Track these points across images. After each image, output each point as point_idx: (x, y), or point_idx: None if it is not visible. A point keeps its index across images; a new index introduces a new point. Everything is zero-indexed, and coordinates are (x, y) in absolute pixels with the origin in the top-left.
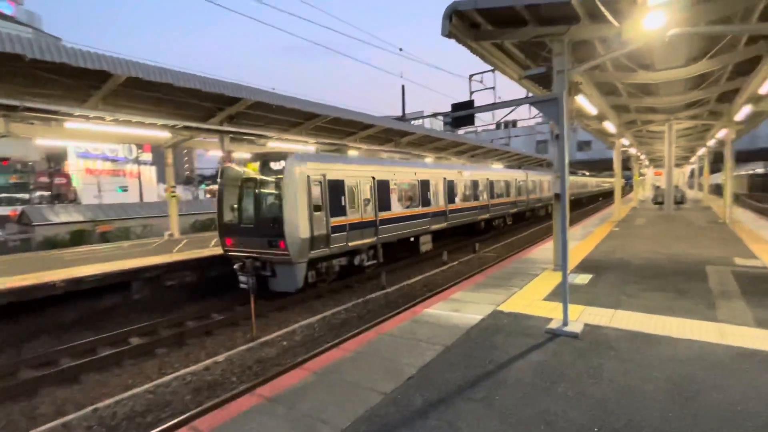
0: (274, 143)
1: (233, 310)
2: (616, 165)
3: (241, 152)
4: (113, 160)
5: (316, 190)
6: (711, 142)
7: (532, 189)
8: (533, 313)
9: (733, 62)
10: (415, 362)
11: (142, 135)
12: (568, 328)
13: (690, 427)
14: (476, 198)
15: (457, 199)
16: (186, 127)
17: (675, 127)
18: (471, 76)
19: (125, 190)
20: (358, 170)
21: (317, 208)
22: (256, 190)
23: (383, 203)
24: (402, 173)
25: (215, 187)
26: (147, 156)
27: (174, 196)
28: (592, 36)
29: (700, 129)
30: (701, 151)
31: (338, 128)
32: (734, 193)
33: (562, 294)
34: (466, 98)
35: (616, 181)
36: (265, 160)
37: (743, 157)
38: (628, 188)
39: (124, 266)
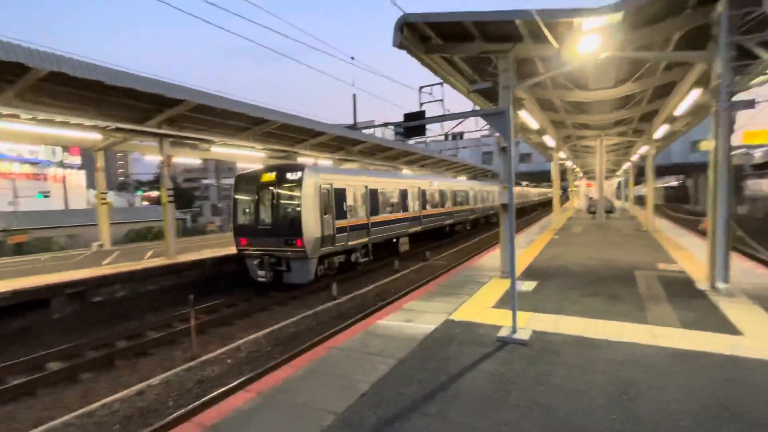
0: (219, 148)
1: (172, 326)
2: (555, 176)
3: (184, 157)
4: (33, 163)
5: (325, 197)
6: (635, 157)
7: (485, 198)
8: (484, 321)
9: (653, 86)
10: (368, 377)
11: (68, 136)
12: (517, 336)
13: (632, 429)
14: (443, 205)
15: (428, 206)
16: (119, 129)
17: (605, 142)
18: (421, 87)
19: (47, 197)
20: (356, 180)
21: (326, 211)
22: (274, 197)
23: (374, 209)
24: (387, 183)
25: (155, 193)
26: (75, 159)
27: (105, 203)
28: (535, 55)
29: (626, 145)
30: (626, 165)
31: (288, 135)
32: (654, 203)
33: (511, 302)
34: (416, 109)
35: (554, 192)
36: (282, 170)
37: (660, 171)
38: (564, 198)
39: (41, 281)
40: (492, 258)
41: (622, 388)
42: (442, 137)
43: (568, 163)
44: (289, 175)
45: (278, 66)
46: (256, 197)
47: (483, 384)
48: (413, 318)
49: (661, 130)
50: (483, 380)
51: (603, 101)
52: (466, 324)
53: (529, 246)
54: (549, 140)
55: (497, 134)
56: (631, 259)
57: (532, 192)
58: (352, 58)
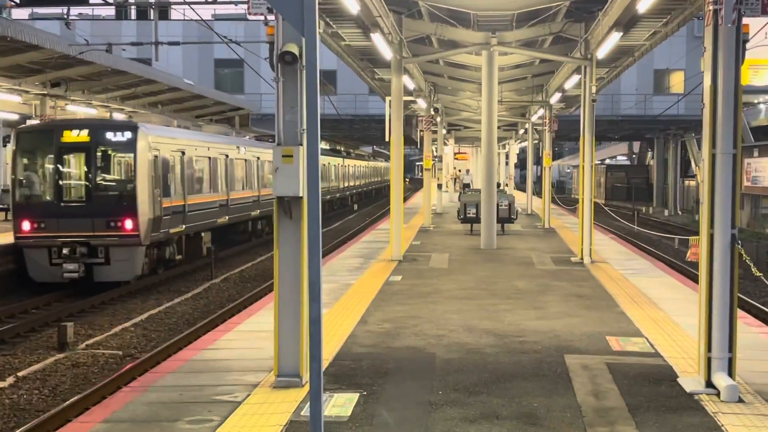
0: None
1: None
2: (396, 136)
3: None
4: None
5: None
6: (554, 99)
7: (339, 175)
8: None
9: None
10: None
11: None
12: None
13: None
14: (251, 186)
15: (237, 186)
16: None
17: (502, 60)
18: None
19: None
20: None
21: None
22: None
23: (190, 185)
24: (195, 146)
25: None
26: None
27: None
28: None
29: (537, 71)
30: (537, 116)
31: None
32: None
33: None
34: None
35: (393, 171)
36: (94, 127)
37: (601, 131)
38: (410, 188)
39: None
40: (250, 335)
41: None
42: (112, 11)
43: (422, 103)
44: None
45: None
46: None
47: None
48: None
49: (608, 42)
50: None
51: None
52: None
53: (339, 300)
54: (382, 44)
55: (269, 20)
56: (558, 329)
57: (338, 168)
58: None
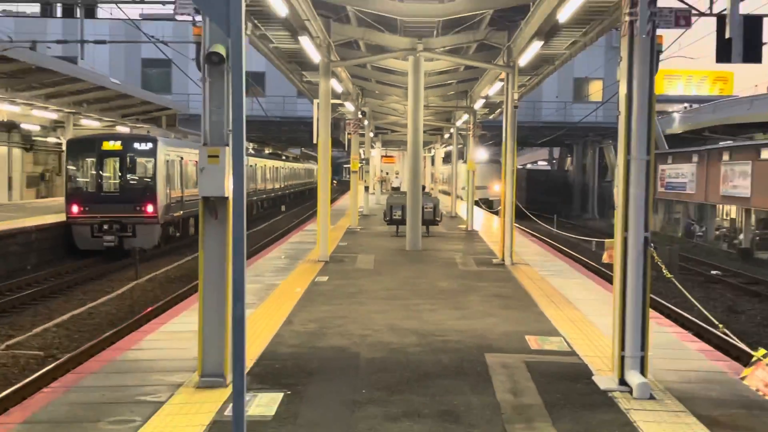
0: None
1: None
2: (323, 137)
3: None
4: None
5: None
6: (478, 105)
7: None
8: None
9: None
10: None
11: None
12: None
13: None
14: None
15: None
16: None
17: (428, 66)
18: None
19: None
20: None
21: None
22: (119, 163)
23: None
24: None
25: None
26: None
27: None
28: None
29: (461, 77)
30: (461, 121)
31: None
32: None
33: None
34: None
35: (320, 172)
36: (126, 139)
37: (523, 137)
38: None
39: None
40: (174, 335)
41: None
42: (37, 8)
43: (349, 106)
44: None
45: None
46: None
47: None
48: None
49: (530, 51)
50: None
51: None
52: None
53: (265, 300)
54: (310, 46)
55: (196, 20)
56: (479, 328)
57: (266, 169)
58: None
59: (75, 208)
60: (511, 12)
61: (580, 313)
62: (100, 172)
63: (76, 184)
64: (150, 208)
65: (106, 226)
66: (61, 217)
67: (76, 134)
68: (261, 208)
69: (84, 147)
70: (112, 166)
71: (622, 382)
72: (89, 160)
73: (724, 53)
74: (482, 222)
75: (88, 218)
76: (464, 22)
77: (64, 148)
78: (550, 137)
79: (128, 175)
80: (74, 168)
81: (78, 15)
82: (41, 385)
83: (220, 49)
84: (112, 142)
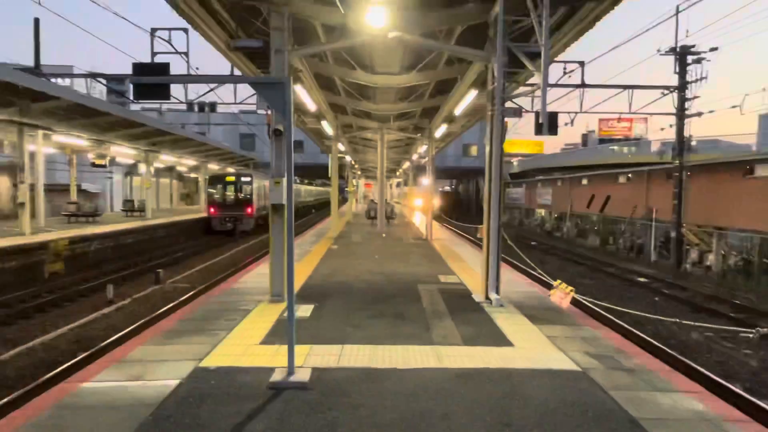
0: None
1: None
2: (333, 172)
3: None
4: None
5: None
6: (415, 156)
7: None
8: (250, 364)
9: (436, 80)
10: None
11: None
12: (295, 378)
13: None
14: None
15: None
16: None
17: (387, 137)
18: (155, 30)
19: None
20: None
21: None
22: (234, 187)
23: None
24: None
25: None
26: None
27: None
28: (316, 17)
29: (407, 142)
30: (406, 164)
31: None
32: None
33: (288, 334)
34: (144, 58)
35: (332, 192)
36: (238, 175)
37: (436, 174)
38: (342, 200)
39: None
40: (258, 276)
41: (414, 423)
42: (184, 106)
43: (347, 158)
44: (243, 178)
45: None
46: (224, 187)
47: None
48: (143, 373)
49: (440, 130)
50: None
51: (387, 88)
52: (226, 371)
53: (303, 259)
54: (327, 127)
55: (268, 111)
56: (415, 272)
57: (305, 190)
58: None
59: (211, 210)
60: (431, 109)
61: (466, 264)
62: (224, 192)
63: (212, 197)
64: (249, 210)
65: (226, 219)
66: (202, 215)
67: (208, 172)
68: (302, 211)
69: (215, 178)
70: (230, 188)
71: (487, 298)
72: (219, 185)
73: (538, 130)
74: (417, 219)
75: (218, 215)
76: (407, 115)
77: (201, 180)
78: (451, 174)
79: (237, 194)
80: (212, 190)
81: (206, 110)
82: (190, 300)
83: (280, 127)
84: (229, 176)
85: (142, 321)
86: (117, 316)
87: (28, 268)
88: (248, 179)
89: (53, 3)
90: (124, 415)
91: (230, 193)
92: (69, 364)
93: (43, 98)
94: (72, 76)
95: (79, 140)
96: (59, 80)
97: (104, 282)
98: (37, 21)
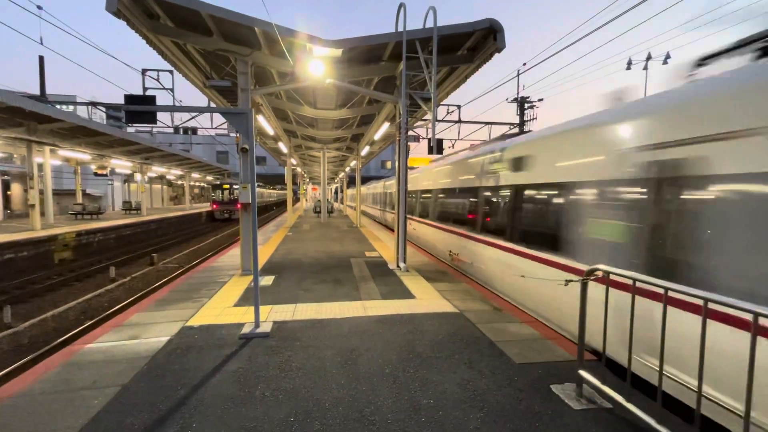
0: None
1: None
2: (288, 180)
3: None
4: None
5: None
6: (348, 168)
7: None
8: (226, 321)
9: (361, 114)
10: (76, 422)
11: None
12: (260, 329)
13: (356, 386)
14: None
15: None
16: None
17: (327, 154)
18: (145, 71)
19: None
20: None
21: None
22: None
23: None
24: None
25: None
26: None
27: None
28: (272, 66)
29: (341, 158)
30: (342, 174)
31: None
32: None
33: (254, 298)
34: (137, 92)
35: (288, 194)
36: (230, 184)
37: (362, 180)
38: (296, 200)
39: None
40: (232, 257)
41: (347, 356)
42: (171, 130)
43: (299, 169)
44: (232, 186)
45: None
46: (222, 191)
47: (227, 386)
48: (139, 333)
49: (365, 150)
50: (227, 382)
51: (326, 120)
52: (207, 328)
53: (266, 243)
54: (283, 147)
55: (237, 134)
56: (348, 250)
57: (267, 193)
58: (39, 8)
59: (214, 206)
60: (357, 136)
61: (384, 243)
62: (221, 194)
63: (214, 196)
64: (237, 206)
65: (223, 211)
66: (188, 212)
67: (196, 181)
68: (264, 208)
69: (215, 186)
70: (225, 192)
71: (398, 266)
72: (218, 190)
73: (430, 151)
74: (352, 213)
75: (218, 208)
76: (341, 138)
77: (186, 185)
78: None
79: (230, 195)
80: (213, 193)
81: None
82: (178, 276)
83: (246, 146)
84: (225, 185)
85: (139, 294)
86: (118, 290)
87: (37, 256)
88: (236, 186)
89: (58, 41)
90: (123, 366)
91: (225, 195)
92: (76, 330)
93: (48, 120)
94: (75, 103)
95: (82, 155)
96: (64, 107)
97: (107, 265)
98: (41, 58)
